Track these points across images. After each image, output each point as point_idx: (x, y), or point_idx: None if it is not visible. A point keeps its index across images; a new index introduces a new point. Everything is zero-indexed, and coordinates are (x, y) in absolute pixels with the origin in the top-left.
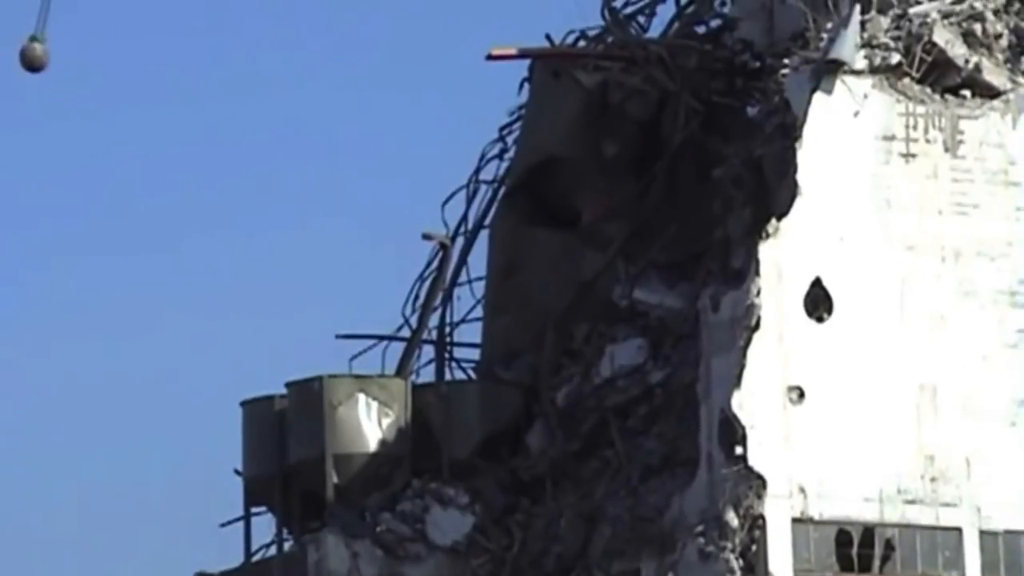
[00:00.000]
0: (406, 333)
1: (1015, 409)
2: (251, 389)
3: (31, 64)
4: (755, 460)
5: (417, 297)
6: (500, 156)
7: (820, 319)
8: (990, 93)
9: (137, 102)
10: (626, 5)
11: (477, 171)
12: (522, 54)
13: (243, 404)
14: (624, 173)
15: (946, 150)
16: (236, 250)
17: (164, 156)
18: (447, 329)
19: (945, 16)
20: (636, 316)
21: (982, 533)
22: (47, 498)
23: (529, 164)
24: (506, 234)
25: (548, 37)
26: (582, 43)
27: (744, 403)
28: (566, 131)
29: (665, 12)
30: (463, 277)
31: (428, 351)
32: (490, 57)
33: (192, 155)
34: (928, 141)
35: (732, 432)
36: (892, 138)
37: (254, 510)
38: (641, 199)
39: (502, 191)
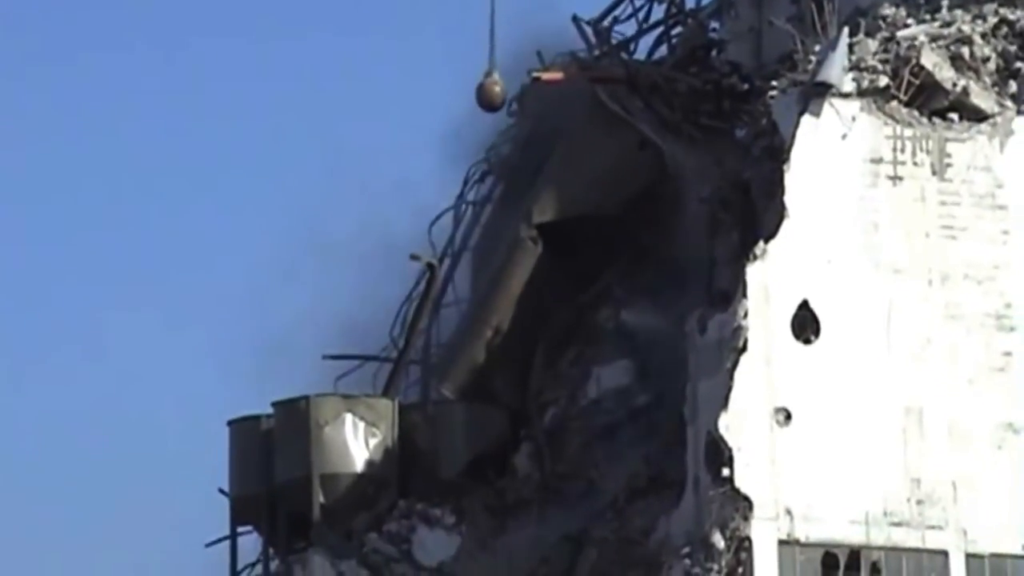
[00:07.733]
0: (393, 354)
1: (1001, 432)
2: (237, 408)
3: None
4: (742, 482)
5: (405, 318)
6: (482, 178)
7: (807, 341)
8: (978, 116)
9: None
10: (612, 26)
11: (463, 192)
12: (569, 78)
13: (230, 423)
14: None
15: (933, 173)
16: (224, 266)
17: (164, 164)
18: (432, 349)
19: (933, 39)
20: (623, 338)
21: (968, 556)
22: (29, 517)
23: (567, 215)
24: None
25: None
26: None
27: (731, 425)
28: (626, 197)
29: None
30: (450, 298)
31: (414, 372)
32: (536, 81)
33: (192, 163)
34: (916, 164)
35: (719, 454)
36: (880, 161)
37: (240, 530)
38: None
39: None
